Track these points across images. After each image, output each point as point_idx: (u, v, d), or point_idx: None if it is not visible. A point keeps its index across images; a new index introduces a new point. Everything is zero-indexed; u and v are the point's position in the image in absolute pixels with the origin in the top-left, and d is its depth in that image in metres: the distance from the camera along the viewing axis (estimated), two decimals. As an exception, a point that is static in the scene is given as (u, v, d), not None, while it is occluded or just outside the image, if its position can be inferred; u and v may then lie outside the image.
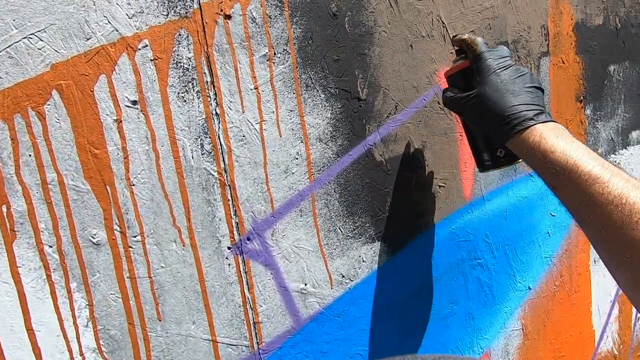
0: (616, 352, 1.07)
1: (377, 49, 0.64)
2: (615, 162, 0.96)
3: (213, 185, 0.53)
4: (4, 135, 0.43)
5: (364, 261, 0.66)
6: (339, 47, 0.60)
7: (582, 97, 0.89)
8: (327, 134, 0.61)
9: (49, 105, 0.44)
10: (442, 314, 0.75)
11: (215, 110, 0.53)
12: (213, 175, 0.53)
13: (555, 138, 0.47)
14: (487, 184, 0.78)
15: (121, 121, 0.48)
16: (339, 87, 0.61)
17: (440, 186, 0.73)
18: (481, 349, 0.82)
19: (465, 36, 0.55)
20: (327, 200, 0.62)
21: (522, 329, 0.87)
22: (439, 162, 0.72)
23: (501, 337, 0.84)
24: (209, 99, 0.52)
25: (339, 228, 0.63)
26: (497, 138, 0.53)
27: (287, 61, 0.56)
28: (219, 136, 0.53)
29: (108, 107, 0.47)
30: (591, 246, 0.96)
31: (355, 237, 0.65)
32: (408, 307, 0.71)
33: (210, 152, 0.53)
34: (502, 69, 0.52)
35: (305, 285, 0.61)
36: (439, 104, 0.70)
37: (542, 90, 0.53)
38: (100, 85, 0.46)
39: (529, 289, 0.87)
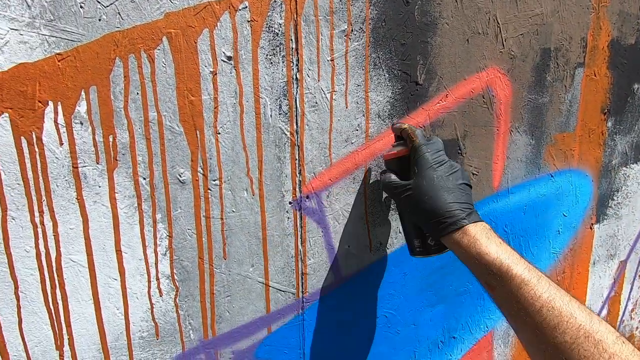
0: (600, 349, 1.16)
1: (439, 39, 0.69)
2: (626, 175, 1.04)
3: (285, 143, 0.58)
4: (119, 72, 0.47)
5: (399, 232, 0.72)
6: (406, 33, 0.65)
7: (606, 110, 0.95)
8: (385, 111, 0.66)
9: (158, 50, 0.49)
10: (459, 291, 0.82)
11: (296, 75, 0.57)
12: (286, 134, 0.58)
13: (487, 240, 0.50)
14: (513, 178, 0.84)
15: (216, 74, 0.52)
16: (402, 69, 0.66)
17: (473, 174, 0.79)
18: (487, 327, 0.89)
19: (406, 126, 0.58)
20: (377, 172, 0.67)
21: (524, 316, 0.95)
22: (475, 152, 0.78)
23: (505, 320, 0.92)
24: (291, 64, 0.57)
25: (385, 199, 0.69)
26: (430, 233, 0.56)
27: (361, 39, 0.61)
28: (295, 100, 0.58)
29: (207, 59, 0.51)
30: (593, 248, 1.04)
31: (396, 210, 0.71)
32: (431, 280, 0.78)
33: (287, 114, 0.58)
34: (438, 164, 0.54)
35: (349, 247, 0.67)
36: (484, 98, 0.76)
37: (471, 187, 0.57)
38: (203, 38, 0.51)
39: (535, 279, 0.94)
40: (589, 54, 0.89)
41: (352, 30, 0.60)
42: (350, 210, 0.66)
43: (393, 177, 0.58)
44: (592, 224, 1.02)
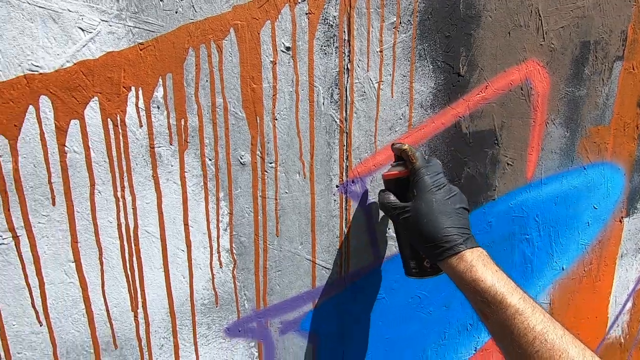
0: (622, 341, 1.17)
1: (481, 32, 0.71)
2: (658, 169, 1.04)
3: (335, 130, 0.62)
4: (191, 61, 0.51)
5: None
6: (451, 25, 0.67)
7: (642, 104, 0.96)
8: (427, 101, 0.69)
9: (226, 40, 0.53)
10: (489, 277, 0.85)
11: (347, 65, 0.61)
12: (336, 122, 0.62)
13: (483, 267, 0.50)
14: (546, 169, 0.86)
15: (276, 63, 0.56)
16: (445, 61, 0.68)
17: (508, 164, 0.81)
18: (514, 313, 0.92)
19: (406, 147, 0.57)
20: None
21: (550, 304, 0.97)
22: (511, 142, 0.80)
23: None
24: (343, 55, 0.60)
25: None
26: (427, 256, 0.56)
27: (408, 31, 0.64)
28: (346, 89, 0.61)
29: (268, 49, 0.55)
30: (621, 241, 1.06)
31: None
32: (464, 265, 0.81)
33: (337, 102, 0.61)
34: (437, 188, 0.54)
35: (389, 229, 0.71)
36: (522, 90, 0.78)
37: (469, 210, 0.56)
38: (265, 30, 0.55)
39: (563, 269, 0.97)
40: (629, 47, 0.89)
41: (400, 23, 0.63)
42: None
43: (392, 197, 0.57)
44: (621, 217, 1.03)
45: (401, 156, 0.58)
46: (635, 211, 1.05)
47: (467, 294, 0.52)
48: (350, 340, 0.73)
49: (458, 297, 0.83)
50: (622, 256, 1.07)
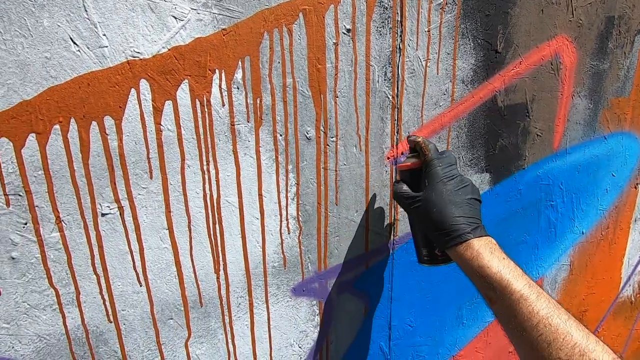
0: (633, 299, 1.26)
1: (517, 9, 0.75)
2: (672, 137, 1.10)
3: (387, 106, 0.67)
4: (266, 44, 0.56)
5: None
6: (490, 4, 0.72)
7: (660, 75, 1.01)
8: (468, 77, 0.74)
9: (296, 24, 0.57)
10: (518, 241, 0.92)
11: (399, 45, 0.65)
12: (389, 98, 0.67)
13: (490, 254, 0.51)
14: (571, 139, 0.92)
15: (338, 44, 0.61)
16: (484, 39, 0.73)
17: (538, 135, 0.87)
18: (538, 274, 1.00)
19: (420, 139, 0.59)
20: (458, 132, 0.76)
21: (570, 265, 1.05)
22: (541, 115, 0.85)
23: (554, 269, 1.02)
24: (396, 35, 0.65)
25: (462, 156, 0.78)
26: (437, 243, 0.58)
27: (453, 11, 0.68)
28: (398, 67, 0.66)
29: (331, 31, 0.60)
30: (635, 206, 1.12)
31: (471, 166, 0.80)
32: (497, 231, 0.88)
33: (390, 79, 0.66)
34: (449, 179, 0.55)
35: (431, 197, 0.77)
36: (551, 64, 0.83)
37: (480, 201, 0.57)
38: (329, 13, 0.59)
39: (582, 233, 1.04)
40: (650, 21, 0.93)
41: (446, 3, 0.67)
42: (434, 165, 0.75)
43: (405, 187, 0.59)
44: (637, 184, 1.09)
45: (415, 148, 0.61)
46: (649, 178, 1.11)
47: (474, 280, 0.53)
48: (396, 299, 0.80)
49: (490, 260, 0.90)
50: (635, 220, 1.14)
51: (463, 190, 0.56)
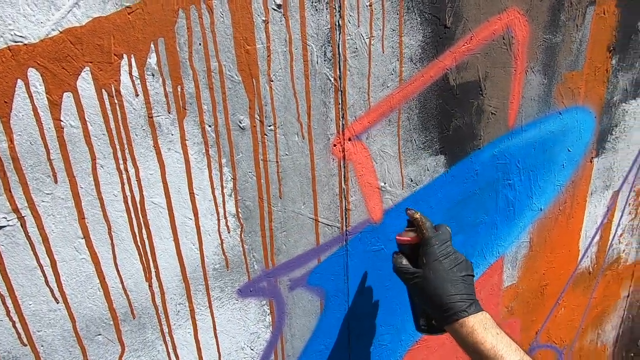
0: (591, 270, 1.30)
1: (465, -19, 0.71)
2: (625, 110, 1.11)
3: (330, 89, 0.62)
4: (182, 23, 0.49)
5: (427, 170, 0.78)
6: (436, -25, 0.67)
7: (612, 48, 1.00)
8: (416, 55, 0.69)
9: (216, 0, 0.51)
10: (476, 222, 0.91)
11: (338, 22, 0.60)
12: (330, 80, 0.62)
13: (484, 330, 0.55)
14: (526, 116, 0.90)
15: (268, 22, 0.55)
16: (432, 13, 0.69)
17: (492, 113, 0.84)
18: (498, 253, 1.00)
19: (417, 216, 0.62)
20: (409, 114, 0.72)
21: (530, 242, 1.05)
22: (495, 92, 0.83)
23: (514, 246, 1.02)
24: (334, 11, 0.59)
25: (415, 139, 0.74)
26: (434, 318, 0.62)
27: (396, -17, 0.63)
28: (338, 46, 0.61)
29: (259, 8, 0.54)
30: (591, 180, 1.14)
31: (425, 149, 0.77)
32: (454, 213, 0.86)
33: (331, 60, 0.61)
34: (445, 257, 0.59)
35: (385, 184, 0.74)
36: (504, 39, 0.80)
37: (473, 276, 0.61)
38: (255, -13, 0.53)
39: (541, 210, 1.04)
40: (601, -9, 0.91)
41: (388, -26, 0.62)
42: (386, 150, 0.71)
43: (404, 262, 0.62)
44: (592, 158, 1.10)
45: (412, 222, 0.63)
46: (604, 151, 1.12)
47: (469, 354, 0.57)
48: (353, 290, 0.77)
49: (449, 243, 0.88)
50: (591, 194, 1.15)
51: (458, 267, 0.60)
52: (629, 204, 1.30)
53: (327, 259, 0.71)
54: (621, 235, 1.33)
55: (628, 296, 1.51)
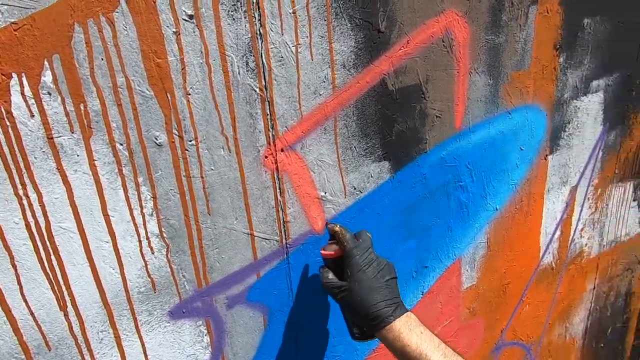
0: (554, 265, 1.31)
1: (397, -16, 0.69)
2: (576, 107, 1.12)
3: (255, 100, 0.60)
4: (80, 38, 0.47)
5: (371, 176, 0.77)
6: (365, -21, 0.66)
7: (558, 46, 1.00)
8: (350, 62, 0.68)
9: (117, 12, 0.48)
10: (428, 225, 0.90)
11: (259, 30, 0.58)
12: (255, 91, 0.60)
13: (409, 332, 0.58)
14: (474, 118, 0.90)
15: (179, 34, 0.52)
16: (363, 18, 0.67)
17: (437, 116, 0.83)
18: (455, 255, 0.99)
19: (337, 229, 0.63)
20: (346, 121, 0.70)
21: (487, 242, 1.05)
22: (438, 95, 0.82)
23: (470, 248, 1.02)
24: (254, 19, 0.57)
25: (355, 146, 0.73)
26: (364, 327, 0.63)
27: (321, -12, 0.61)
28: (261, 55, 0.59)
29: (168, 19, 0.51)
30: (547, 177, 1.15)
31: (367, 156, 0.75)
32: (403, 218, 0.85)
33: (254, 70, 0.59)
34: (367, 265, 0.61)
35: (325, 193, 0.72)
36: (443, 42, 0.79)
37: (396, 278, 0.63)
38: (162, -3, 0.50)
39: (496, 209, 1.04)
40: (542, -9, 0.92)
41: (311, -20, 0.60)
42: (323, 159, 0.70)
43: (330, 276, 0.63)
44: (546, 155, 1.11)
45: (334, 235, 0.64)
46: (558, 148, 1.13)
47: (398, 357, 0.60)
48: (300, 304, 0.75)
49: (399, 249, 0.87)
50: (548, 191, 1.16)
51: (381, 273, 0.61)
52: (588, 198, 1.32)
53: (268, 273, 0.69)
54: (582, 229, 1.35)
55: (594, 288, 1.53)
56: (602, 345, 1.68)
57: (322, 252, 0.65)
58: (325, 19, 0.63)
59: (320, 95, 0.66)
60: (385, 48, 0.71)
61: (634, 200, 1.49)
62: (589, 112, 1.16)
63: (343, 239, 0.62)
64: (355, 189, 0.76)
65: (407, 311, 0.61)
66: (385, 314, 0.59)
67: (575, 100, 1.12)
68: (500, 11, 0.85)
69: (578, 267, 1.39)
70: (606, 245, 1.46)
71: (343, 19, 0.65)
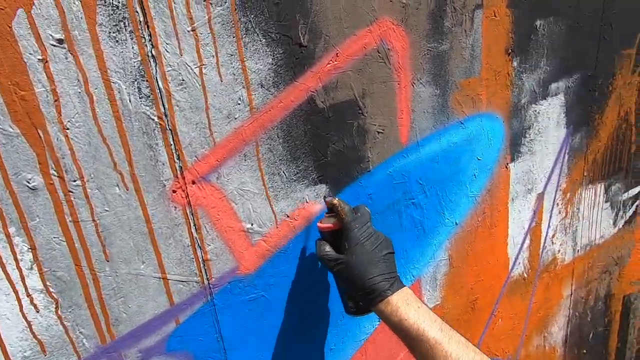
0: (526, 276, 1.25)
1: (318, -6, 0.64)
2: (536, 111, 1.07)
3: (154, 129, 0.54)
4: None
5: (306, 202, 0.71)
6: (279, -10, 0.60)
7: (510, 50, 0.96)
8: (269, 80, 0.62)
9: (-39, 41, 0.41)
10: (379, 248, 0.84)
11: (151, 52, 0.51)
12: (153, 119, 0.53)
13: (406, 306, 0.57)
14: (421, 130, 0.84)
15: (47, 61, 0.46)
16: (280, 32, 0.61)
17: (378, 132, 0.77)
18: (413, 277, 0.93)
19: (336, 201, 0.62)
20: (270, 145, 0.64)
21: (449, 259, 0.99)
22: (378, 109, 0.76)
23: (430, 267, 0.96)
24: (143, 40, 0.51)
25: (283, 171, 0.67)
26: (360, 302, 0.63)
27: (225, 2, 0.55)
28: (156, 79, 0.52)
29: (31, 45, 0.44)
30: (510, 186, 1.10)
31: (299, 180, 0.69)
32: (348, 243, 0.78)
33: (149, 96, 0.52)
34: (366, 239, 0.60)
35: (252, 225, 0.65)
36: (379, 52, 0.73)
37: (394, 253, 0.63)
38: (19, 21, 0.44)
39: (456, 224, 0.98)
40: (487, -7, 0.87)
41: (211, -6, 0.54)
42: (246, 188, 0.63)
43: (327, 248, 0.63)
44: (507, 164, 1.06)
45: (332, 208, 0.63)
46: (520, 155, 1.08)
47: (395, 332, 0.59)
48: (232, 348, 0.68)
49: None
50: (513, 200, 1.11)
51: (379, 247, 0.61)
52: (557, 204, 1.27)
53: (189, 318, 0.62)
54: (553, 236, 1.30)
55: (571, 295, 1.49)
56: (585, 351, 1.63)
57: (319, 224, 0.64)
58: (234, 35, 0.57)
59: (235, 119, 0.60)
60: (311, 63, 0.65)
61: (605, 201, 1.45)
62: (550, 115, 1.12)
63: (342, 212, 0.61)
64: (288, 217, 0.69)
65: (404, 286, 0.60)
66: (382, 288, 0.58)
67: (534, 105, 1.07)
68: (441, 17, 0.80)
69: (552, 275, 1.34)
70: (580, 250, 1.41)
71: (256, 35, 0.59)
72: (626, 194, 1.50)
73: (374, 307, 0.60)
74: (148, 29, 0.50)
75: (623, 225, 1.52)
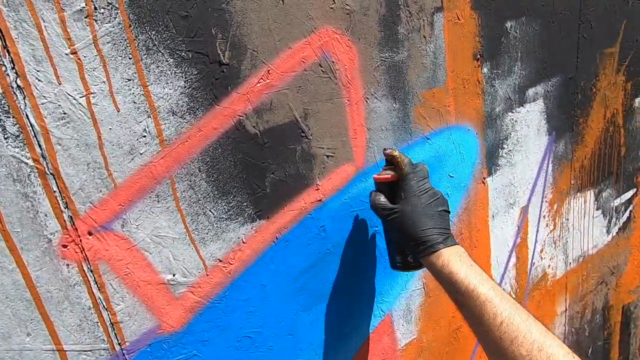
0: (514, 295, 1.16)
1: (239, 3, 0.55)
2: (513, 120, 0.98)
3: (28, 175, 0.44)
4: None
5: (244, 242, 0.61)
6: (186, 1, 0.51)
7: (479, 56, 0.87)
8: (182, 106, 0.52)
9: None
10: (339, 285, 0.74)
11: (16, 82, 0.42)
12: (26, 163, 0.44)
13: (459, 262, 0.57)
14: (380, 150, 0.75)
15: None
16: (192, 49, 0.52)
17: (327, 156, 0.68)
18: (382, 311, 0.83)
19: (396, 153, 0.63)
20: (190, 181, 0.55)
21: (424, 288, 0.90)
22: (325, 131, 0.67)
23: (402, 299, 0.86)
24: (4, 69, 0.41)
25: (210, 210, 0.57)
26: (410, 252, 0.64)
27: (115, 18, 0.46)
28: (26, 115, 0.43)
29: None
30: (489, 202, 1.00)
31: (232, 218, 0.59)
32: (302, 283, 0.69)
33: (18, 136, 0.43)
34: (422, 192, 0.61)
35: (174, 275, 0.56)
36: (321, 66, 0.64)
37: (449, 212, 0.63)
38: None
39: (429, 249, 0.89)
40: (447, -6, 0.78)
41: (95, 9, 0.45)
42: (162, 233, 0.54)
43: (382, 199, 0.63)
44: (484, 178, 0.96)
45: (391, 160, 0.64)
46: (498, 168, 0.99)
47: (444, 286, 0.59)
48: (159, 420, 0.58)
49: (304, 319, 0.71)
50: (493, 216, 1.02)
51: (435, 202, 0.61)
52: (544, 216, 1.18)
53: (99, 393, 0.52)
54: (542, 250, 1.20)
55: (566, 310, 1.39)
56: (585, 367, 1.53)
57: (376, 177, 0.65)
58: (130, 56, 0.48)
59: (141, 154, 0.50)
60: (235, 83, 0.56)
61: (597, 209, 1.36)
62: (529, 123, 1.03)
63: (402, 163, 0.62)
64: (220, 261, 0.59)
65: (457, 244, 0.60)
66: (435, 240, 0.58)
67: (510, 113, 0.98)
68: (395, 24, 0.71)
69: (543, 292, 1.25)
70: (573, 262, 1.32)
71: (160, 54, 0.50)
72: (618, 199, 1.41)
73: (425, 258, 0.59)
74: (9, 55, 0.41)
75: (617, 232, 1.43)
